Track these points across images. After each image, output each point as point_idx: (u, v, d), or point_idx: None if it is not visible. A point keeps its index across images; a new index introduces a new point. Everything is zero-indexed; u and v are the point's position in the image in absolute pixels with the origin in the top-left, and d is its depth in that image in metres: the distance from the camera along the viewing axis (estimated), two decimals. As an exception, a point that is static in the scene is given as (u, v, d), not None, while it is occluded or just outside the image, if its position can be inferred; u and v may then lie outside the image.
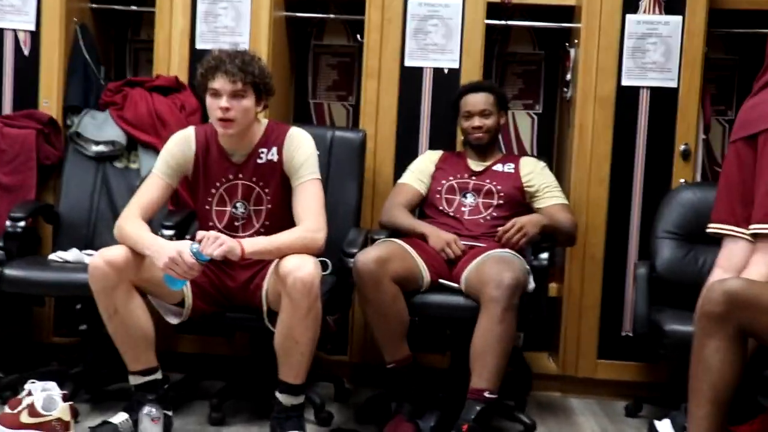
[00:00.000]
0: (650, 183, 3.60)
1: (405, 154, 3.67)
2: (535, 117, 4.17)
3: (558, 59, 4.06)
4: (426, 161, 3.56)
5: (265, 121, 3.07)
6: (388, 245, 3.16)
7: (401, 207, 3.42)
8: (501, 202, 3.39)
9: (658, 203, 3.45)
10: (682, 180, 3.55)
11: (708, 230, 2.93)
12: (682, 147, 3.56)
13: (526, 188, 3.44)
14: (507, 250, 3.23)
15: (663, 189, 3.53)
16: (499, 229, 3.27)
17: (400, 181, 3.53)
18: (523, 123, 4.17)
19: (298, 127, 3.06)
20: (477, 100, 3.47)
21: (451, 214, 3.41)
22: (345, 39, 4.19)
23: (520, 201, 3.43)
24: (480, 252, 3.21)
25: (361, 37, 3.74)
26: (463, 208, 3.41)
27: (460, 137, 3.65)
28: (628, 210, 3.61)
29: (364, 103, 3.72)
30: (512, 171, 3.48)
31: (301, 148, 2.98)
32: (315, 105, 4.23)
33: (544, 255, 3.19)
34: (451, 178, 3.46)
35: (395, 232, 3.37)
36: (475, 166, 3.49)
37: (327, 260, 3.03)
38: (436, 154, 3.57)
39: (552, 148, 4.12)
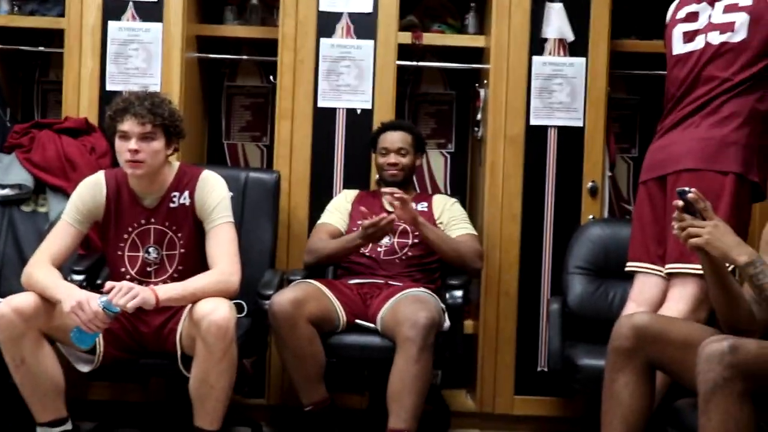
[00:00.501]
0: (560, 219, 3.63)
1: (320, 195, 3.67)
2: (448, 156, 4.20)
3: (469, 99, 4.10)
4: (342, 200, 3.56)
5: (176, 164, 3.04)
6: (303, 286, 3.14)
7: (326, 240, 3.42)
8: (416, 241, 3.41)
9: (569, 239, 3.50)
10: (591, 216, 3.59)
11: (626, 269, 3.02)
12: (590, 184, 3.62)
13: (438, 225, 3.47)
14: (422, 289, 3.24)
15: (573, 225, 3.58)
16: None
17: (320, 221, 3.52)
18: (437, 162, 4.20)
19: (210, 170, 3.04)
20: (395, 138, 3.50)
21: (367, 254, 3.41)
22: (258, 80, 4.18)
23: None
24: (395, 291, 3.21)
25: (274, 78, 3.74)
26: (378, 248, 3.41)
27: (374, 177, 3.67)
28: (540, 246, 3.64)
29: (278, 143, 3.71)
30: (426, 209, 3.50)
31: (213, 191, 2.96)
32: (229, 146, 4.20)
33: (459, 293, 3.20)
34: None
35: (328, 262, 3.40)
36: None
37: (242, 302, 3.01)
38: (352, 194, 3.58)
39: (465, 186, 4.15)
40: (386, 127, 3.56)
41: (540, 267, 3.64)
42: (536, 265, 3.65)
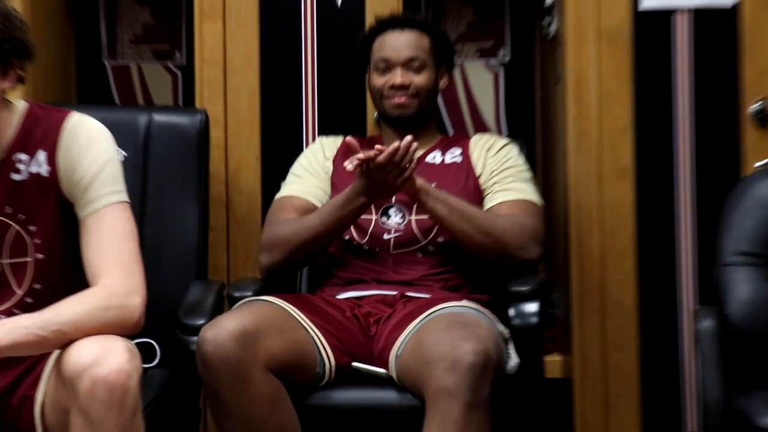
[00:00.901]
0: (705, 171, 3.65)
1: (279, 148, 3.72)
2: (500, 70, 4.24)
3: None
4: (318, 155, 3.57)
5: (21, 106, 2.96)
6: (256, 309, 3.10)
7: (297, 219, 3.41)
8: None
9: (722, 205, 3.40)
10: (760, 162, 3.57)
11: None
12: (756, 105, 3.59)
13: (478, 179, 3.48)
14: (465, 303, 3.21)
15: (728, 180, 3.53)
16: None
17: (280, 194, 3.51)
18: (481, 81, 4.24)
19: (83, 114, 2.94)
20: (400, 43, 3.52)
21: (366, 247, 3.40)
22: None
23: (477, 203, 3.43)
24: (418, 310, 3.17)
25: (191, -53, 3.80)
26: (385, 236, 3.40)
27: (372, 114, 3.68)
28: (671, 219, 3.66)
29: (200, 62, 3.77)
30: (459, 159, 3.51)
31: (89, 150, 2.87)
32: (115, 69, 4.27)
33: (532, 307, 3.17)
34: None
35: (305, 258, 3.40)
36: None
37: (152, 342, 3.04)
38: (333, 143, 3.59)
39: (532, 121, 4.20)
40: (383, 25, 3.56)
41: (674, 256, 3.65)
42: (667, 253, 3.66)
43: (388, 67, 3.50)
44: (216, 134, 3.65)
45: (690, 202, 3.64)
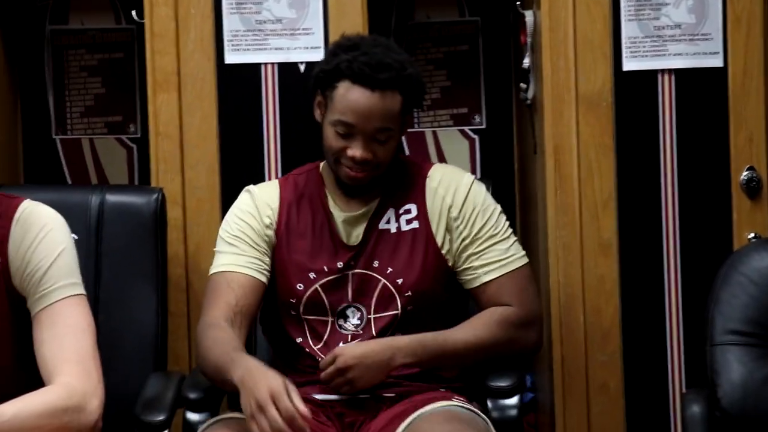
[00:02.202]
0: (693, 244, 3.68)
1: None
2: (476, 137, 4.26)
3: (506, 31, 4.17)
4: (250, 212, 3.34)
5: None
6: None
7: (221, 328, 3.19)
8: (410, 307, 3.26)
9: (711, 279, 3.35)
10: (752, 234, 3.62)
11: None
12: (745, 174, 3.64)
13: (444, 256, 3.31)
14: (455, 401, 3.14)
15: (717, 253, 3.55)
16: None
17: (214, 269, 3.30)
18: (455, 149, 4.27)
19: (35, 202, 2.92)
20: (370, 109, 3.17)
21: (321, 357, 3.22)
22: (111, 19, 4.27)
23: (442, 289, 3.32)
24: (408, 410, 3.11)
25: (140, 14, 3.76)
26: (342, 343, 3.23)
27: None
28: (661, 296, 3.68)
29: (155, 137, 3.76)
30: (417, 224, 3.31)
31: (42, 242, 2.87)
32: (64, 143, 4.27)
33: (511, 401, 3.16)
34: (312, 275, 3.27)
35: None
36: (347, 231, 3.31)
37: None
38: (269, 194, 3.37)
39: (513, 193, 4.22)
40: (354, 71, 3.17)
41: (663, 336, 3.67)
42: (654, 332, 3.67)
43: (349, 132, 3.17)
44: (173, 214, 3.65)
45: (677, 276, 3.66)
